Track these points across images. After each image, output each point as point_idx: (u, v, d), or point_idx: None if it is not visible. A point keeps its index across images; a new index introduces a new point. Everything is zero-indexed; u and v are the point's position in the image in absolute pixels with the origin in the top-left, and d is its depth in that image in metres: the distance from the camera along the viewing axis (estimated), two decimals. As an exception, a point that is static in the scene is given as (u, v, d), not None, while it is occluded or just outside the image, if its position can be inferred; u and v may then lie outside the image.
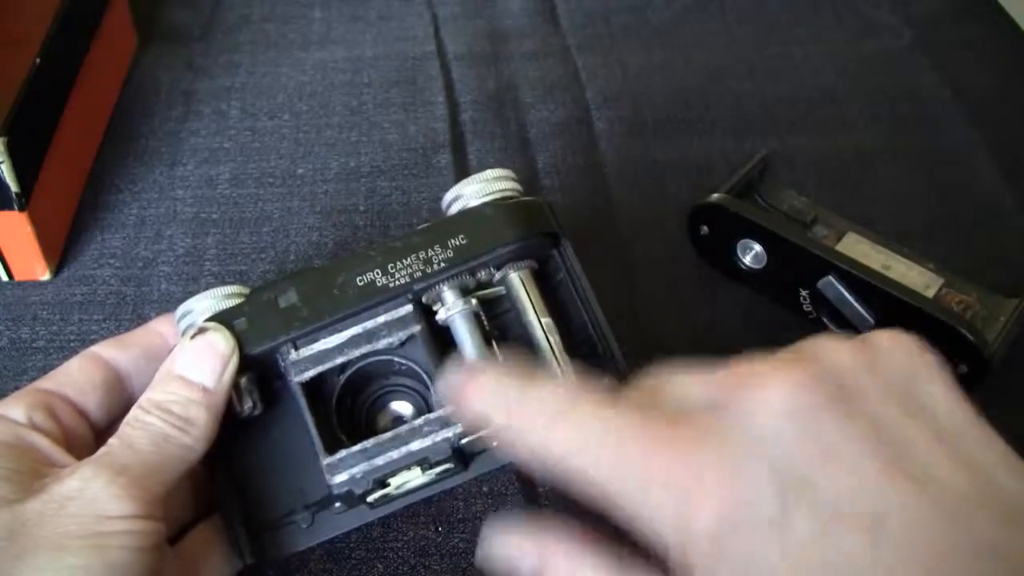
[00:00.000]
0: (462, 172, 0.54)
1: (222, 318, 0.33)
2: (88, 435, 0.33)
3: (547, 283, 0.35)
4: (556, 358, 0.33)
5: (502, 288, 0.34)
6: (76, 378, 0.34)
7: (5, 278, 0.47)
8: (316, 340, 0.33)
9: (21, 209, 0.44)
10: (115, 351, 0.35)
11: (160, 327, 0.36)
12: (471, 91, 0.59)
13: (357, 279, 0.33)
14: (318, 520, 0.34)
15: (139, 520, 0.28)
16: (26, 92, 0.44)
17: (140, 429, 0.30)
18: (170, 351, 0.33)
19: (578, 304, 0.34)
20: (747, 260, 0.47)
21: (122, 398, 0.34)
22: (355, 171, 0.54)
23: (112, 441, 0.30)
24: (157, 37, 0.62)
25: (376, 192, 0.53)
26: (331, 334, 0.33)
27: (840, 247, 0.45)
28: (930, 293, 0.43)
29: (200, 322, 0.33)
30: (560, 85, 0.60)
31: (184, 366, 0.32)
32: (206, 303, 0.34)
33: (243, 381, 0.33)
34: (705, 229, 0.47)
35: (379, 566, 0.38)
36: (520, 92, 0.59)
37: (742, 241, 0.46)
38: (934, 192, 0.53)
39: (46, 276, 0.48)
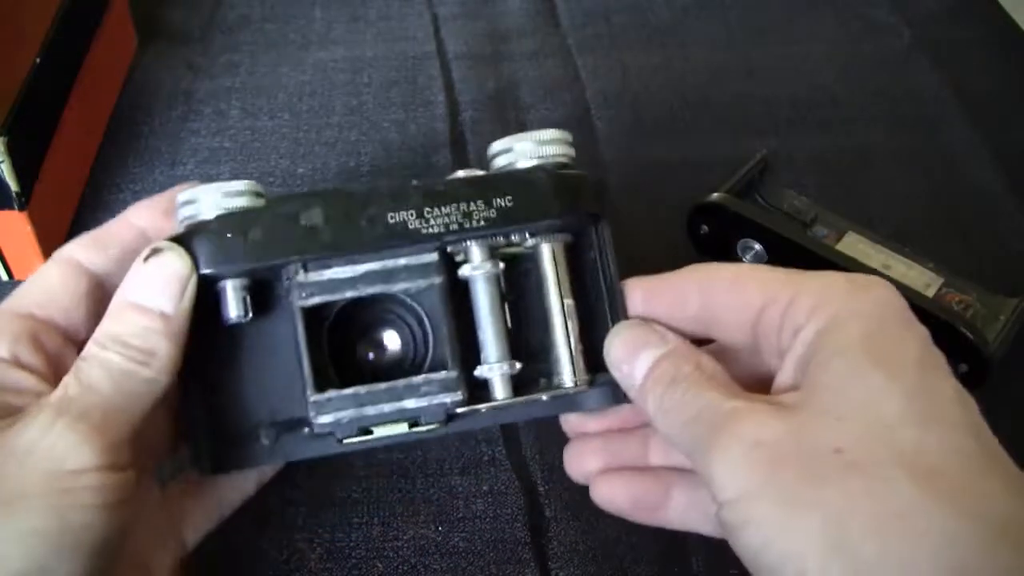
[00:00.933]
0: (462, 172, 0.54)
1: (236, 222, 0.30)
2: (75, 358, 0.30)
3: (578, 259, 0.34)
4: (570, 343, 0.32)
5: (527, 248, 0.33)
6: (60, 295, 0.31)
7: (5, 278, 0.47)
8: (328, 267, 0.31)
9: (21, 209, 0.44)
10: (94, 254, 0.32)
11: (138, 219, 0.33)
12: (471, 91, 0.59)
13: (389, 216, 0.31)
14: (283, 440, 0.32)
15: (102, 472, 0.27)
16: (26, 92, 0.44)
17: (98, 367, 0.28)
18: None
19: (602, 289, 0.33)
20: (747, 259, 0.47)
21: (105, 306, 0.31)
22: (355, 171, 0.54)
23: (69, 381, 0.28)
24: (157, 37, 0.62)
25: (376, 192, 0.53)
26: (346, 264, 0.31)
27: (840, 247, 0.45)
28: (930, 293, 0.43)
29: (188, 218, 0.31)
30: (560, 85, 0.60)
31: (139, 292, 0.29)
32: (213, 197, 0.31)
33: (234, 285, 0.31)
34: (705, 229, 0.47)
35: (379, 565, 0.38)
36: (520, 92, 0.59)
37: (742, 241, 0.46)
38: (934, 192, 0.53)
39: (46, 276, 0.48)
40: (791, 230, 0.45)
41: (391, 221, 0.31)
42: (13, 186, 0.43)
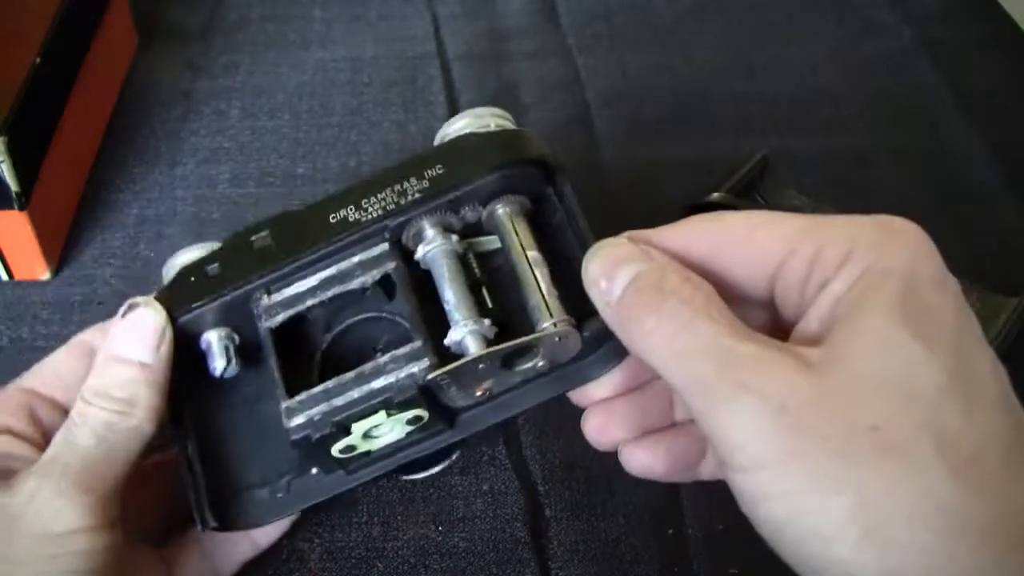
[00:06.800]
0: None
1: (197, 266, 0.32)
2: None
3: (545, 226, 0.32)
4: (542, 291, 0.30)
5: (496, 239, 0.32)
6: (63, 374, 0.32)
7: (5, 278, 0.47)
8: (289, 285, 0.32)
9: (21, 209, 0.44)
10: (103, 338, 0.33)
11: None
12: (471, 91, 0.59)
13: (330, 216, 0.32)
14: (294, 488, 0.32)
15: (89, 533, 0.27)
16: (26, 92, 0.44)
17: (82, 424, 0.29)
18: None
19: (574, 243, 0.31)
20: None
21: None
22: (355, 171, 0.54)
23: (56, 440, 0.29)
24: (157, 37, 0.62)
25: (376, 192, 0.53)
26: (304, 278, 0.32)
27: (840, 247, 0.45)
28: (930, 292, 0.43)
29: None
30: (560, 85, 0.60)
31: (118, 346, 0.31)
32: (196, 254, 0.33)
33: (217, 337, 0.32)
34: (705, 229, 0.47)
35: (379, 565, 0.38)
36: (520, 92, 0.59)
37: (742, 241, 0.46)
38: (934, 192, 0.54)
39: (46, 276, 0.48)
40: (791, 230, 0.45)
41: (332, 220, 0.32)
42: (13, 186, 0.43)
